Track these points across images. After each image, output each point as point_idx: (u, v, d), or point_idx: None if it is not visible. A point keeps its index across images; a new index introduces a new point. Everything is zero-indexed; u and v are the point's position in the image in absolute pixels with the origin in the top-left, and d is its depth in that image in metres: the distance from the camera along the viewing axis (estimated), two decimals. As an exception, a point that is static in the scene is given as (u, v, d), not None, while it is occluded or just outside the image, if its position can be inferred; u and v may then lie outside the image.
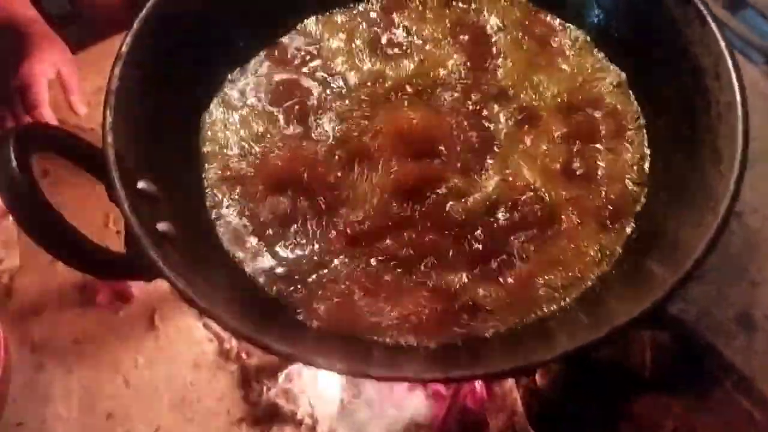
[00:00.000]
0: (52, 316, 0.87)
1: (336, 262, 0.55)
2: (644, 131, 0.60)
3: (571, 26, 0.66)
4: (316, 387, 0.77)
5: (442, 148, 0.59)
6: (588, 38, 0.66)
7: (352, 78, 0.64)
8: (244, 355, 0.80)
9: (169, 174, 0.55)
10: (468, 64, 0.64)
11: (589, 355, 0.78)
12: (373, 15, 0.67)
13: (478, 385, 0.77)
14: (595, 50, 0.65)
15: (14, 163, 0.40)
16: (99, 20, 1.28)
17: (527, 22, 0.66)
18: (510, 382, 0.77)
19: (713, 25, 0.55)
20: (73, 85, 0.86)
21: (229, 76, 0.64)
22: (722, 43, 0.54)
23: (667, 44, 0.58)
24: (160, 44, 0.57)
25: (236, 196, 0.59)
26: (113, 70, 0.54)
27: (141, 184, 0.50)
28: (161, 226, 0.49)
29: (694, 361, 0.83)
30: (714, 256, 0.90)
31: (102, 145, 0.49)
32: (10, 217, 0.91)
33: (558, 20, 0.67)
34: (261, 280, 0.55)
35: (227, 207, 0.58)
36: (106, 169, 0.48)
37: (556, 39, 0.65)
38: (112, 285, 0.86)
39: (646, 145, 0.59)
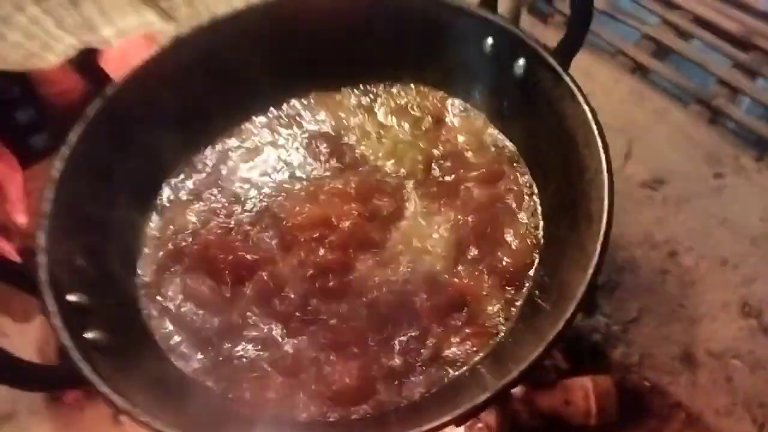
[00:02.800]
0: (23, 420, 0.90)
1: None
2: (537, 202, 0.66)
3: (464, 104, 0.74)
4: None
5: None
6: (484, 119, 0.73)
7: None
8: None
9: (102, 283, 0.60)
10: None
11: (536, 406, 0.81)
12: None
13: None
14: (490, 127, 0.72)
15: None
16: (64, 127, 1.35)
17: (425, 103, 0.74)
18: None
19: (581, 99, 0.61)
20: (13, 194, 0.90)
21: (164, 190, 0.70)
22: (589, 115, 0.60)
23: (549, 120, 0.65)
24: (91, 167, 0.63)
25: (169, 293, 0.64)
26: (46, 192, 0.59)
27: (71, 297, 0.55)
28: (90, 334, 0.53)
29: (641, 402, 0.86)
30: (650, 298, 0.95)
31: (33, 266, 0.54)
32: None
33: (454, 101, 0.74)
34: (193, 374, 0.59)
35: (159, 308, 0.63)
36: (39, 288, 0.53)
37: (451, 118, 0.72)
38: (76, 386, 0.89)
39: (540, 215, 0.65)
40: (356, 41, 0.72)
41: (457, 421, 0.47)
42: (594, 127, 0.59)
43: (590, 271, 0.51)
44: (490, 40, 0.69)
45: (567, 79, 0.63)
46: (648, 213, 1.03)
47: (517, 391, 0.81)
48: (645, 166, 1.09)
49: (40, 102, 1.28)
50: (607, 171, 0.56)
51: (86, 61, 0.91)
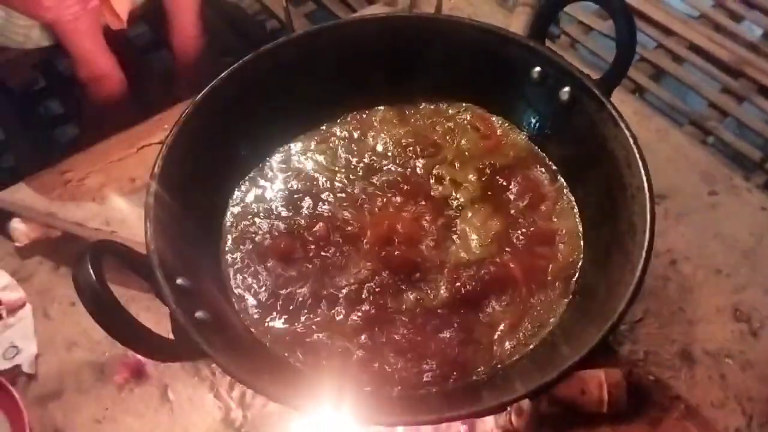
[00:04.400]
0: (71, 399, 0.95)
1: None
2: (576, 211, 0.75)
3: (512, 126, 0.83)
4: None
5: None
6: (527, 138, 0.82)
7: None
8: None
9: (197, 269, 0.67)
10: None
11: (555, 395, 0.91)
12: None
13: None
14: (534, 146, 0.81)
15: (93, 277, 0.51)
16: (94, 118, 1.39)
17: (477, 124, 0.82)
18: (490, 424, 0.89)
19: (623, 125, 0.71)
20: None
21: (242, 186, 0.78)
22: (631, 140, 0.69)
23: (590, 141, 0.74)
24: (186, 165, 0.70)
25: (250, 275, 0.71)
26: (149, 190, 0.66)
27: (179, 281, 0.62)
28: (199, 314, 0.60)
29: (646, 394, 0.96)
30: (653, 302, 1.05)
31: (147, 252, 0.61)
32: (26, 310, 1.01)
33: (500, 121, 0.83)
34: (282, 351, 0.66)
35: (244, 286, 0.70)
36: (152, 272, 0.60)
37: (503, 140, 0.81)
38: (128, 364, 0.95)
39: (579, 221, 0.74)
40: (421, 63, 0.81)
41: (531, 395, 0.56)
42: (635, 149, 0.69)
43: (637, 273, 0.60)
44: (537, 69, 0.78)
45: (610, 106, 0.72)
46: (652, 224, 1.13)
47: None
48: (649, 182, 1.19)
49: (67, 92, 1.32)
50: (648, 188, 0.66)
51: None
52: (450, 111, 0.84)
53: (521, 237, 0.73)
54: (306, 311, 0.69)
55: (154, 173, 0.66)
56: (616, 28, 0.74)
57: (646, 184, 0.66)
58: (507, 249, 0.72)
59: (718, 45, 1.59)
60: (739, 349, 1.01)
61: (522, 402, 0.79)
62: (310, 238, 0.73)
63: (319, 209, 0.75)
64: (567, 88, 0.76)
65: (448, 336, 0.66)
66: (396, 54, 0.80)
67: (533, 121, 0.81)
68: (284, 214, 0.75)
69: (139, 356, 0.90)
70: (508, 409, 0.78)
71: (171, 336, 0.58)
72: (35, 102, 1.58)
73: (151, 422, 0.93)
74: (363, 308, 0.69)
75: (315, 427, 0.77)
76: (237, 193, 0.77)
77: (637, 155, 0.68)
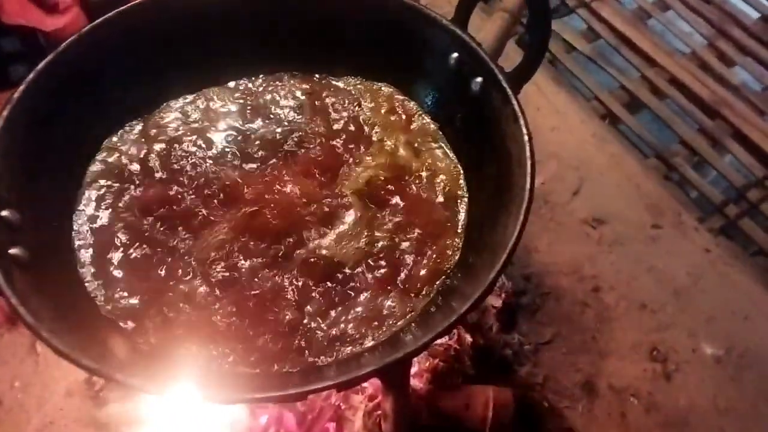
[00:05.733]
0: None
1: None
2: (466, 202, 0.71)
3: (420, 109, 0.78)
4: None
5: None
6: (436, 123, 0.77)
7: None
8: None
9: (38, 209, 0.62)
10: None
11: (438, 405, 0.85)
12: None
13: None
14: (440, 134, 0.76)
15: None
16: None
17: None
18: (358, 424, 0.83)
19: (522, 122, 0.66)
20: None
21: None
22: (526, 137, 0.65)
23: (492, 135, 0.69)
24: (50, 96, 0.65)
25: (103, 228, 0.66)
26: (1, 112, 0.62)
27: (5, 213, 0.57)
28: (14, 250, 0.56)
29: (536, 421, 0.91)
30: (566, 326, 1.00)
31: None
32: None
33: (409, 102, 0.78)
34: (107, 306, 0.61)
35: (90, 240, 0.65)
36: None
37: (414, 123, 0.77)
38: (3, 309, 0.90)
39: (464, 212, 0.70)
40: (331, 31, 0.76)
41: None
42: (528, 149, 0.64)
43: (487, 281, 0.55)
44: (455, 54, 0.74)
45: (514, 102, 0.67)
46: (582, 248, 1.08)
47: (421, 386, 0.84)
48: (590, 205, 1.14)
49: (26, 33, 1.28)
50: (529, 190, 0.61)
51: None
52: (365, 84, 0.79)
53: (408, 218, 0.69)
54: (156, 271, 0.64)
55: (12, 97, 0.62)
56: (530, 21, 0.69)
57: (528, 185, 0.61)
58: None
59: (700, 83, 1.54)
60: (647, 389, 0.95)
61: (386, 406, 0.74)
62: (178, 195, 0.68)
63: (199, 168, 0.71)
64: (479, 79, 0.71)
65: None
66: (310, 22, 0.76)
67: (444, 109, 0.77)
68: (157, 166, 0.70)
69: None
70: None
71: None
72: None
73: (14, 371, 0.89)
74: (222, 274, 0.64)
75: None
76: (113, 139, 0.72)
77: (528, 154, 0.63)
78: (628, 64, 1.58)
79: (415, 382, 0.85)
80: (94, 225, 0.67)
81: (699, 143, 1.43)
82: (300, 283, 0.64)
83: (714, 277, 1.09)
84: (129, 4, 0.69)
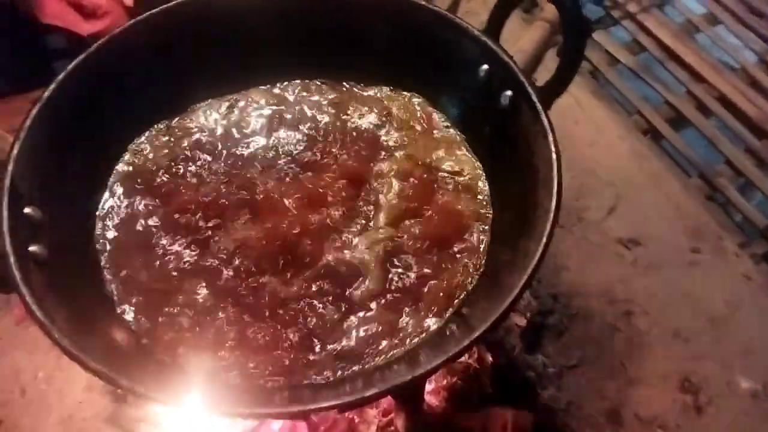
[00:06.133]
0: None
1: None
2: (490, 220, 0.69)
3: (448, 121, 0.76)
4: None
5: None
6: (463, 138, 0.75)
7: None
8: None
9: (61, 206, 0.63)
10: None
11: (456, 424, 0.83)
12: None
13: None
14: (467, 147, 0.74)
15: None
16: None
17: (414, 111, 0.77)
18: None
19: (551, 139, 0.63)
20: None
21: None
22: (554, 155, 0.62)
23: (521, 152, 0.67)
24: (79, 97, 0.66)
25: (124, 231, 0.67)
26: (31, 109, 0.62)
27: (28, 210, 0.58)
28: (34, 248, 0.56)
29: (555, 448, 0.87)
30: (594, 350, 0.97)
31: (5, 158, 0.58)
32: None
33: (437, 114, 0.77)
34: (126, 311, 0.62)
35: (111, 242, 0.66)
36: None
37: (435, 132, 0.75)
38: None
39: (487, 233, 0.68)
40: (360, 40, 0.75)
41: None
42: (555, 168, 0.61)
43: (509, 300, 0.53)
44: (485, 66, 0.72)
45: (544, 118, 0.65)
46: (615, 269, 1.04)
47: (437, 404, 0.82)
48: (626, 224, 1.10)
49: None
50: (555, 213, 0.58)
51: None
52: (393, 95, 0.78)
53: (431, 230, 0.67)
54: (173, 278, 0.64)
55: (42, 96, 0.63)
56: (564, 36, 0.67)
57: (554, 206, 0.58)
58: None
59: (749, 101, 1.47)
60: (676, 421, 0.91)
61: (399, 423, 0.72)
62: (200, 201, 0.68)
63: (221, 176, 0.70)
64: (509, 92, 0.69)
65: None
66: (339, 30, 0.75)
67: (472, 122, 0.75)
68: (181, 171, 0.70)
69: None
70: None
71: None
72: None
73: (38, 362, 0.90)
74: (236, 284, 0.63)
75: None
76: (139, 141, 0.72)
77: (555, 173, 0.61)
78: (674, 78, 1.53)
79: (432, 400, 0.83)
80: (116, 225, 0.67)
81: (745, 164, 1.37)
82: (312, 298, 0.63)
83: (753, 307, 1.04)
84: (160, 8, 0.69)
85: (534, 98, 0.66)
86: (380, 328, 0.62)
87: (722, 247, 1.12)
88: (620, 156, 1.21)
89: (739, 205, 1.30)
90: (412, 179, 0.72)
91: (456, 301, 0.63)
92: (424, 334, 0.61)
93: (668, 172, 1.21)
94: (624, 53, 1.55)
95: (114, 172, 0.71)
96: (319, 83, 0.79)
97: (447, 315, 0.62)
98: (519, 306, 0.89)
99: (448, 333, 0.60)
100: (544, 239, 0.57)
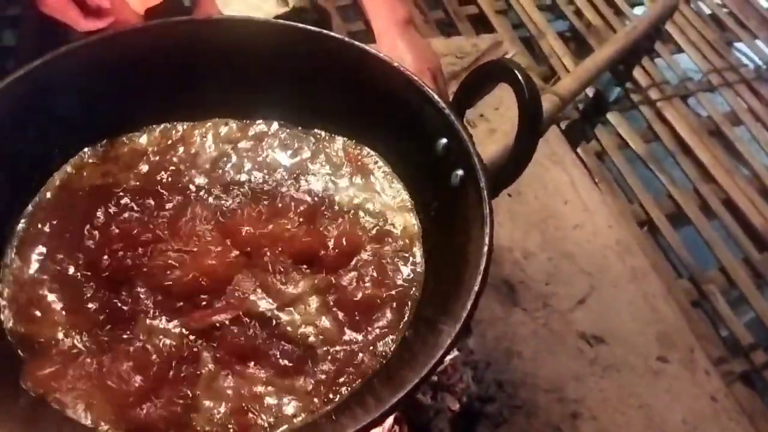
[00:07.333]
0: None
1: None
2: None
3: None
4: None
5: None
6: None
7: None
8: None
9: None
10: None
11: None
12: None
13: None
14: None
15: None
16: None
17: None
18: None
19: (486, 230, 0.59)
20: None
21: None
22: (485, 248, 0.58)
23: (458, 235, 0.64)
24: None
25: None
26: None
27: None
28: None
29: None
30: None
31: None
32: None
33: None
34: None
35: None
36: None
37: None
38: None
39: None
40: (326, 88, 0.73)
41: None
42: (483, 263, 0.58)
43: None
44: (444, 140, 0.69)
45: (486, 206, 0.61)
46: (572, 364, 0.99)
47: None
48: (593, 318, 1.05)
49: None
50: (468, 313, 0.55)
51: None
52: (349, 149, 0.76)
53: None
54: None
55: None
56: (518, 128, 0.64)
57: (469, 305, 0.55)
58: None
59: (756, 209, 1.42)
60: None
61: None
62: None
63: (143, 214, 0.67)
64: (460, 171, 0.66)
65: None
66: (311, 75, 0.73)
67: (422, 194, 0.72)
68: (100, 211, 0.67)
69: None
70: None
71: None
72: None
73: None
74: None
75: None
76: (67, 169, 0.69)
77: (482, 269, 0.57)
78: (682, 173, 1.48)
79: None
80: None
81: (740, 275, 1.31)
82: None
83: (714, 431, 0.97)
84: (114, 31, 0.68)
85: (482, 182, 0.63)
86: (267, 413, 0.58)
87: (693, 360, 1.05)
88: (605, 245, 1.16)
89: (725, 317, 1.24)
90: (348, 237, 0.69)
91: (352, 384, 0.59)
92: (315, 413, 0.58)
93: (653, 270, 1.16)
94: (636, 139, 1.51)
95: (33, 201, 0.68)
96: (277, 124, 0.77)
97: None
98: (456, 388, 0.84)
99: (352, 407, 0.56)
100: (451, 338, 0.53)
